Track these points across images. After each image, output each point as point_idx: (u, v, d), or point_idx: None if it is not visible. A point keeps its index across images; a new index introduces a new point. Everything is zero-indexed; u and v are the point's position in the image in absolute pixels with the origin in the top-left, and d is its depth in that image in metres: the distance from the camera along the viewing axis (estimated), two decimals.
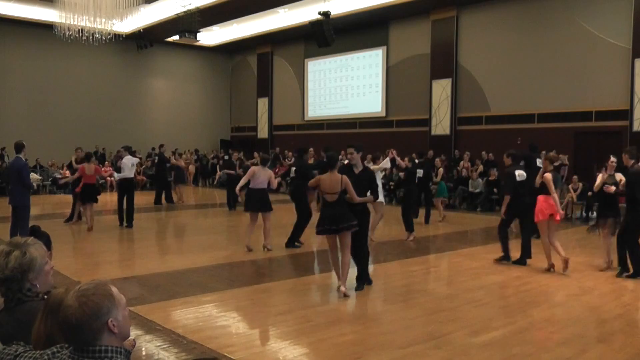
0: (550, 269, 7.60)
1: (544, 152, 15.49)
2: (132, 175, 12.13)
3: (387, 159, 10.55)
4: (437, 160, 14.32)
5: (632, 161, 7.54)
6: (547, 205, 7.51)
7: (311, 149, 12.89)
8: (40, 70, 22.94)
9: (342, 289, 6.17)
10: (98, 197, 11.54)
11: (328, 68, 23.69)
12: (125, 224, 11.63)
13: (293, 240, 9.31)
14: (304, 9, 19.81)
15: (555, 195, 7.53)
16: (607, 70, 15.65)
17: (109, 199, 16.23)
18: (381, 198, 9.72)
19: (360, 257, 6.58)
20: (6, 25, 21.54)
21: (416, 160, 11.69)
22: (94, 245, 9.78)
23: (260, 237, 9.24)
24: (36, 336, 1.99)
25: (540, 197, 7.59)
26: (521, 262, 8.04)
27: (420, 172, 11.79)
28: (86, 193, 11.16)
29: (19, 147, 8.40)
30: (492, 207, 15.26)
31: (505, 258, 8.14)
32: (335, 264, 6.41)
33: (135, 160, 12.73)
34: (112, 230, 11.29)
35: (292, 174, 10.16)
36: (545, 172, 7.61)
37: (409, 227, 10.09)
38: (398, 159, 10.55)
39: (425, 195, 12.57)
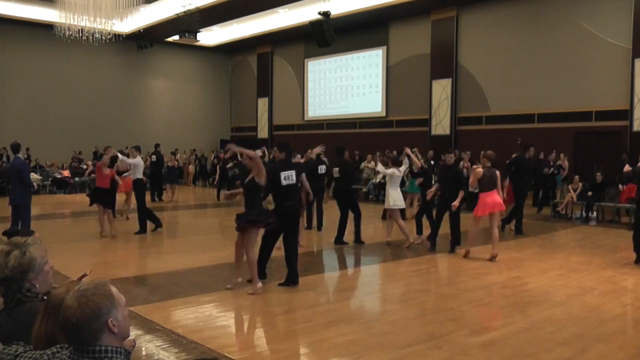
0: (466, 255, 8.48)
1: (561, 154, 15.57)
2: (142, 176, 11.52)
3: (393, 169, 10.08)
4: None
5: None
6: (491, 201, 8.21)
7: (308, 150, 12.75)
8: (40, 70, 22.95)
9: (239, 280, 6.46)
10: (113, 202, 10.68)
11: (328, 68, 23.70)
12: (151, 229, 10.80)
13: (359, 238, 9.78)
14: (304, 9, 19.82)
15: (468, 189, 8.35)
16: (607, 70, 15.65)
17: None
18: (400, 203, 9.52)
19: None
20: (6, 25, 21.55)
21: (431, 162, 11.66)
22: (94, 245, 9.77)
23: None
24: (36, 336, 1.99)
25: (483, 195, 8.30)
26: (452, 250, 9.02)
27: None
28: (100, 197, 10.43)
29: (16, 148, 8.47)
30: None
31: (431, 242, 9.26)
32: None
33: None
34: (112, 231, 11.27)
35: (337, 174, 10.06)
36: (478, 168, 8.43)
37: (420, 230, 10.03)
38: (413, 156, 10.21)
39: None
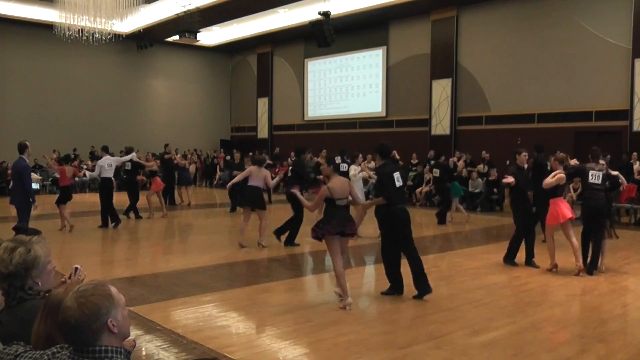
0: (552, 269, 7.59)
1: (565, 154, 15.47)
2: (111, 175, 11.94)
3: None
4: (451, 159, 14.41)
5: None
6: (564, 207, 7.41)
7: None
8: (40, 70, 22.94)
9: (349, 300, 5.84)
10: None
11: (328, 68, 23.69)
12: (110, 224, 11.57)
13: (292, 239, 9.37)
14: (304, 9, 19.82)
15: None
16: (607, 70, 15.65)
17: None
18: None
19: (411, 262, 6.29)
20: (6, 25, 21.54)
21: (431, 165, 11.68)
22: (93, 245, 9.78)
23: (254, 235, 9.30)
24: (36, 336, 2.00)
25: (553, 200, 7.47)
26: None
27: (437, 172, 12.73)
28: (63, 195, 11.22)
29: (22, 148, 8.33)
30: (492, 207, 15.28)
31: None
32: (341, 275, 5.89)
33: (113, 160, 12.43)
34: (111, 230, 11.29)
35: (289, 174, 10.22)
36: (558, 173, 7.46)
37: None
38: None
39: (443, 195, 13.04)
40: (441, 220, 12.42)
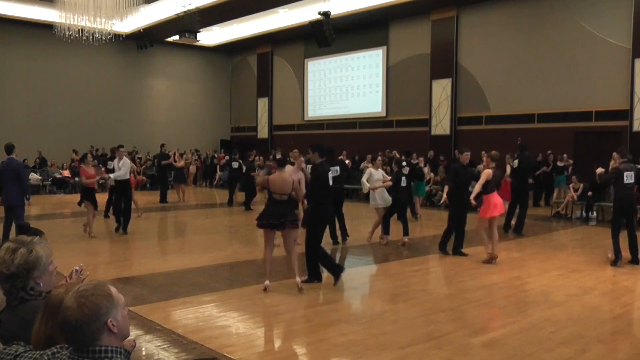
0: (491, 260, 8.03)
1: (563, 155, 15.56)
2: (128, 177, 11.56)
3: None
4: (420, 159, 14.43)
5: None
6: (498, 202, 8.09)
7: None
8: (40, 70, 22.94)
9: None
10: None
11: (328, 68, 23.70)
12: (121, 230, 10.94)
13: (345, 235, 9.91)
14: (304, 9, 19.82)
15: (477, 189, 7.99)
16: (607, 70, 15.65)
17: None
18: (378, 202, 9.73)
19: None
20: (6, 25, 21.55)
21: (404, 163, 11.23)
22: (94, 245, 9.77)
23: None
24: (36, 337, 2.00)
25: (489, 196, 8.06)
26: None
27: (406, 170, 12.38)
28: (88, 195, 10.60)
29: (10, 149, 8.35)
30: None
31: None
32: (267, 261, 6.51)
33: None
34: (112, 230, 11.28)
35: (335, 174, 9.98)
36: (486, 168, 8.14)
37: (387, 231, 9.93)
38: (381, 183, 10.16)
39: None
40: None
